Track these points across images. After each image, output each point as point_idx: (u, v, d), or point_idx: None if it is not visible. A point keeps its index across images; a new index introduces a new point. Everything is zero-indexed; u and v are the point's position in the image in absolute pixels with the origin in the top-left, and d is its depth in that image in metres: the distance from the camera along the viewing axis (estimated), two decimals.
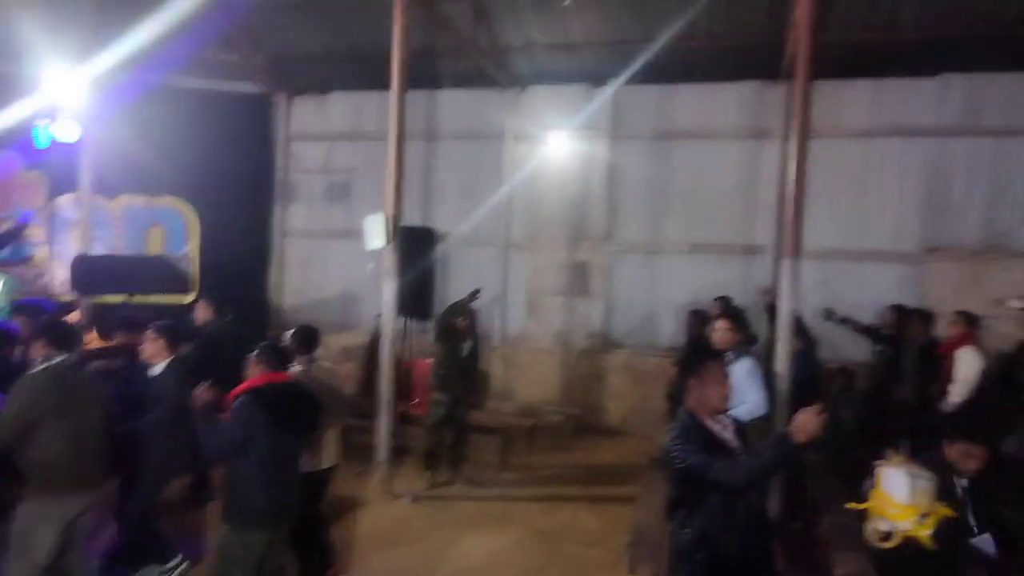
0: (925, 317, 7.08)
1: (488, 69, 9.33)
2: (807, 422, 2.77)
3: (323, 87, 10.87)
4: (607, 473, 7.80)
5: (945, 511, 2.71)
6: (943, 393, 6.32)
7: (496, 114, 10.03)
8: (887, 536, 2.63)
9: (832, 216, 8.66)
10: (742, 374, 4.73)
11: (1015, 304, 7.28)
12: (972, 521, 3.44)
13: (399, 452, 7.24)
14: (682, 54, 8.66)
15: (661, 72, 8.78)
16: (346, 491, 6.26)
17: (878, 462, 2.86)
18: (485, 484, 7.16)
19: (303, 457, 4.18)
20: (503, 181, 9.89)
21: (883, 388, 7.14)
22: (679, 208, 9.47)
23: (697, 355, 3.86)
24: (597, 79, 9.29)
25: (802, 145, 5.60)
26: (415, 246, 7.69)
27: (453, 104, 10.28)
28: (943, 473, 3.39)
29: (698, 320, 7.34)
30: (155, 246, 10.54)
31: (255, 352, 3.95)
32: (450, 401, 6.97)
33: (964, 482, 3.47)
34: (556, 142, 9.54)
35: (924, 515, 2.51)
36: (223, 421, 3.79)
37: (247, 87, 10.76)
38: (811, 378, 6.58)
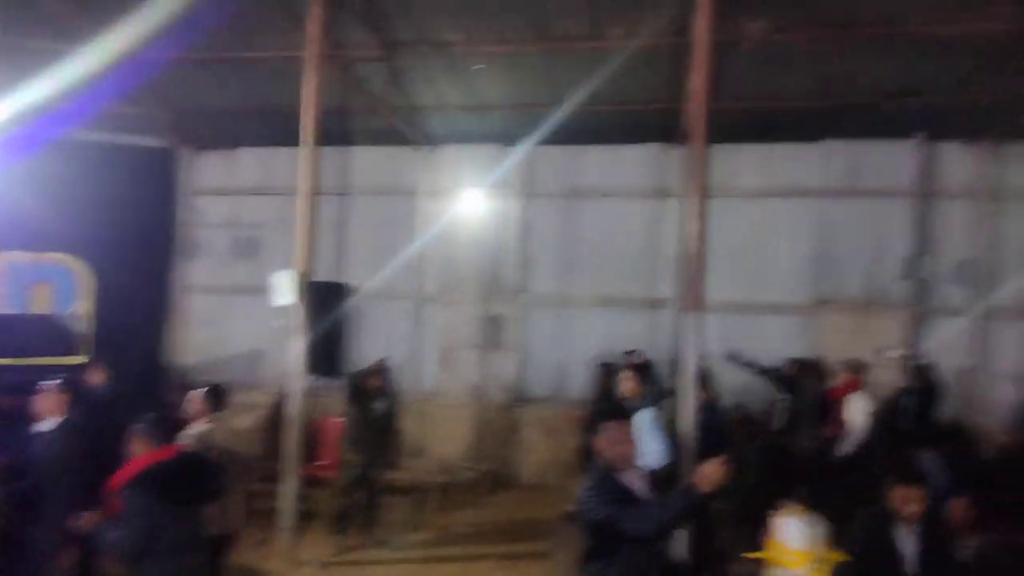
0: (820, 367, 7.49)
1: (401, 127, 9.45)
2: (712, 472, 2.87)
3: (231, 142, 10.70)
4: (522, 529, 7.74)
5: (837, 556, 2.84)
6: (835, 438, 6.67)
7: (409, 171, 10.14)
8: None
9: (731, 271, 9.13)
10: (645, 424, 4.86)
11: (893, 353, 7.81)
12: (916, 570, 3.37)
13: (306, 516, 6.97)
14: (589, 118, 9.06)
15: (570, 134, 9.16)
16: (248, 560, 5.95)
17: (773, 512, 2.98)
18: (398, 546, 6.97)
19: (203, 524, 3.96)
20: (416, 236, 9.95)
21: (783, 436, 7.46)
22: (588, 263, 9.76)
23: (604, 413, 3.95)
24: (509, 139, 9.58)
25: (701, 205, 5.91)
26: (326, 301, 7.54)
27: (367, 160, 10.32)
28: (886, 524, 3.36)
29: (607, 372, 7.50)
30: (41, 304, 9.90)
31: (137, 428, 3.69)
32: (363, 462, 6.80)
33: (917, 529, 3.41)
34: (469, 199, 9.72)
35: (818, 561, 2.63)
36: (118, 523, 3.53)
37: (150, 141, 10.46)
38: (716, 428, 6.79)
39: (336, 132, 9.14)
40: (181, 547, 3.61)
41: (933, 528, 3.45)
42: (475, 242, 9.90)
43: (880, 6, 7.19)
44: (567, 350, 9.71)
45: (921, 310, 9.00)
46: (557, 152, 9.67)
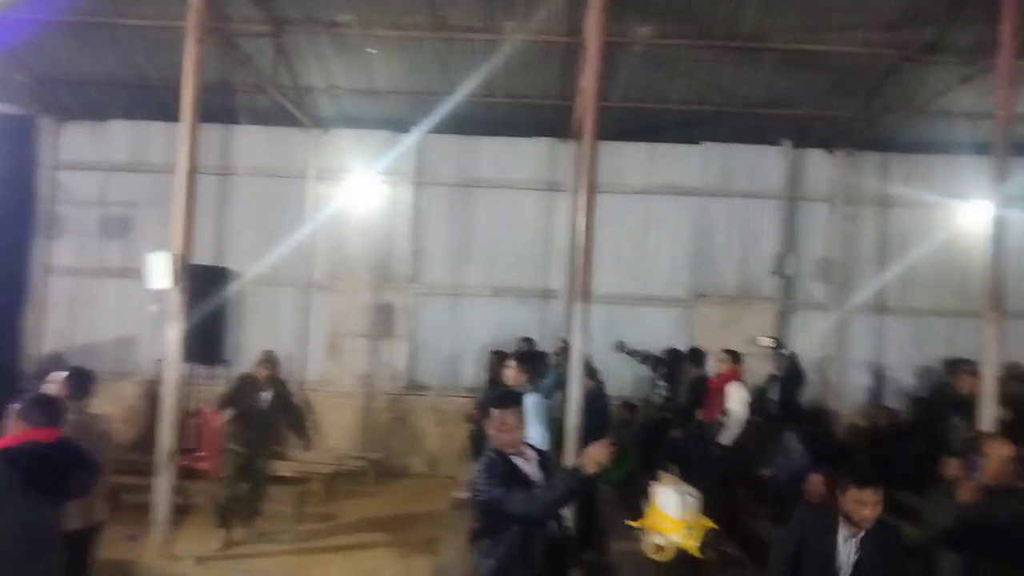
0: (697, 356, 7.93)
1: (289, 108, 9.14)
2: (597, 454, 3.00)
3: (101, 113, 9.96)
4: (411, 518, 7.72)
5: (708, 523, 3.04)
6: (712, 424, 7.08)
7: (298, 153, 9.83)
8: (662, 548, 2.91)
9: (617, 264, 9.48)
10: (528, 410, 4.90)
11: (764, 342, 8.39)
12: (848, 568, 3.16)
13: (183, 510, 6.66)
14: (483, 108, 9.14)
15: (464, 124, 9.19)
16: (118, 554, 5.62)
17: (653, 482, 3.15)
18: (281, 538, 6.77)
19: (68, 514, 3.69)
20: (304, 221, 9.66)
21: (662, 422, 7.83)
22: (481, 253, 9.84)
23: (496, 398, 3.99)
24: (401, 126, 9.47)
25: (590, 199, 6.10)
26: (205, 286, 7.21)
27: (251, 140, 9.90)
28: (827, 523, 3.17)
29: (499, 360, 7.60)
30: None
31: (17, 406, 3.38)
32: (247, 453, 6.56)
33: (860, 534, 3.17)
34: (361, 184, 9.55)
35: (691, 528, 2.82)
36: None
37: (9, 108, 9.56)
38: (600, 414, 7.07)
39: (218, 109, 8.74)
40: (40, 542, 3.35)
41: (878, 538, 3.17)
42: (366, 229, 9.75)
43: (754, 23, 7.72)
44: (459, 339, 9.75)
45: (787, 304, 9.70)
46: (451, 141, 9.67)
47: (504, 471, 3.21)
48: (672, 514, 2.82)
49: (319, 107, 9.61)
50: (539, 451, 3.53)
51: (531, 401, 5.19)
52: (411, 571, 6.10)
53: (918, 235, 9.39)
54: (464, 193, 9.88)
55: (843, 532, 3.18)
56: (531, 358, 6.51)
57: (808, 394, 8.80)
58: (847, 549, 3.18)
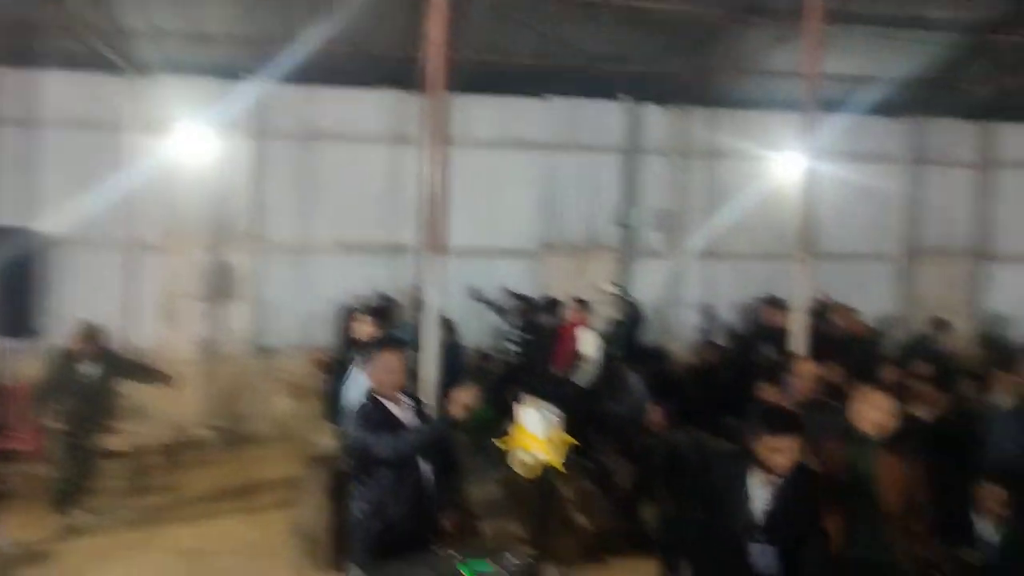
0: (552, 306, 8.25)
1: (106, 52, 8.24)
2: (464, 398, 3.12)
3: None
4: (264, 483, 7.49)
5: (570, 440, 3.21)
6: (567, 368, 7.42)
7: (117, 102, 8.94)
8: (528, 465, 3.06)
9: (468, 217, 9.50)
10: None
11: (608, 288, 8.85)
12: (760, 524, 3.02)
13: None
14: (326, 57, 8.71)
15: (305, 73, 8.72)
16: None
17: (517, 404, 3.28)
18: (115, 514, 6.34)
19: None
20: (127, 177, 8.84)
21: (517, 369, 8.09)
22: (328, 208, 9.52)
23: (382, 341, 4.05)
24: (235, 74, 8.84)
25: (441, 152, 6.07)
26: (6, 249, 6.44)
27: (61, 87, 8.87)
28: (741, 469, 3.03)
29: (352, 316, 7.47)
30: None
31: None
32: (72, 430, 6.04)
33: (777, 481, 3.02)
34: (191, 136, 8.85)
35: (555, 444, 2.99)
36: None
37: None
38: (455, 365, 7.19)
39: (17, 51, 7.74)
40: None
41: (796, 486, 3.01)
42: (200, 184, 9.09)
43: None
44: (308, 298, 9.42)
45: (628, 252, 10.26)
46: (292, 91, 9.18)
47: (378, 417, 3.29)
48: (537, 433, 2.98)
49: (141, 52, 8.74)
50: (415, 398, 3.62)
51: None
52: (267, 533, 5.96)
53: (742, 185, 10.17)
54: (307, 146, 9.47)
55: (757, 478, 3.02)
56: (385, 313, 6.46)
57: (648, 336, 9.42)
58: (762, 496, 3.02)
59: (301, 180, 9.44)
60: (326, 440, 6.56)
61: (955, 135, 11.05)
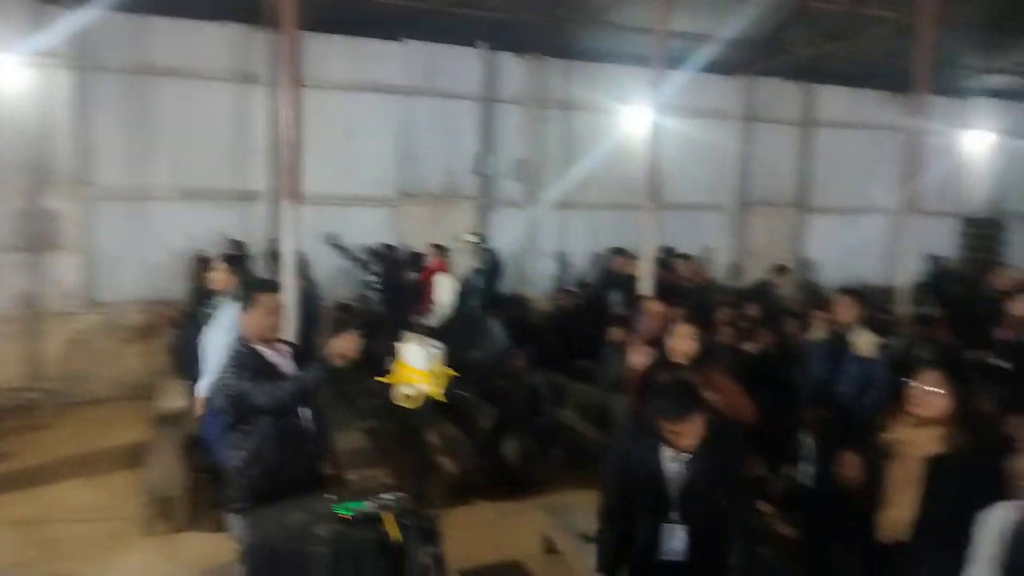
0: (415, 257, 8.25)
1: None
2: (344, 345, 3.12)
3: None
4: (107, 446, 6.99)
5: (451, 372, 3.30)
6: (426, 313, 7.50)
7: None
8: (411, 397, 3.14)
9: (323, 163, 9.16)
10: (231, 318, 4.64)
11: (467, 237, 8.95)
12: (675, 501, 2.80)
13: None
14: None
15: (137, 1, 7.94)
16: None
17: (397, 342, 3.32)
18: None
19: None
20: None
21: (378, 317, 8.06)
22: (167, 152, 8.82)
23: (259, 283, 3.94)
24: None
25: (294, 93, 5.79)
26: None
27: None
28: (655, 443, 2.80)
29: (204, 265, 7.09)
30: None
31: None
32: None
33: (689, 456, 2.80)
34: (5, 67, 7.82)
35: (436, 376, 3.08)
36: None
37: None
38: (311, 314, 7.09)
39: None
40: None
41: (712, 457, 2.81)
42: (13, 122, 8.09)
43: None
44: (147, 248, 8.75)
45: (487, 202, 10.38)
46: (119, 20, 8.28)
47: (254, 364, 3.24)
48: (418, 366, 3.06)
49: None
50: (292, 344, 3.56)
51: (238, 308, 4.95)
52: (113, 497, 5.64)
53: (594, 137, 10.53)
54: (140, 82, 8.65)
55: (669, 451, 2.82)
56: (239, 261, 6.17)
57: (507, 284, 9.68)
58: (676, 469, 2.81)
59: (134, 120, 8.64)
60: (175, 397, 6.26)
61: (781, 95, 12.03)
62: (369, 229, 9.43)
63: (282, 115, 5.99)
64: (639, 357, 4.04)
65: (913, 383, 2.95)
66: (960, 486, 2.33)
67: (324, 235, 8.31)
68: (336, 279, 8.96)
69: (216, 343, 4.40)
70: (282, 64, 5.94)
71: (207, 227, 8.71)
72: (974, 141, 12.80)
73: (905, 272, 7.58)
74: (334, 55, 9.32)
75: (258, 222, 8.90)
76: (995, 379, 4.08)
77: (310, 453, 3.34)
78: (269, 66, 8.62)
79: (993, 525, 1.89)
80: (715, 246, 11.69)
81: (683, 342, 3.84)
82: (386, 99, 9.71)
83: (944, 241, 12.92)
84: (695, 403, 2.78)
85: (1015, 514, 1.81)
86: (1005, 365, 4.61)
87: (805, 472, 4.33)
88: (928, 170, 7.89)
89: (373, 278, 8.23)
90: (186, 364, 5.28)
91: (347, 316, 8.41)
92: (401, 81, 9.74)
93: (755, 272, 11.14)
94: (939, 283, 10.84)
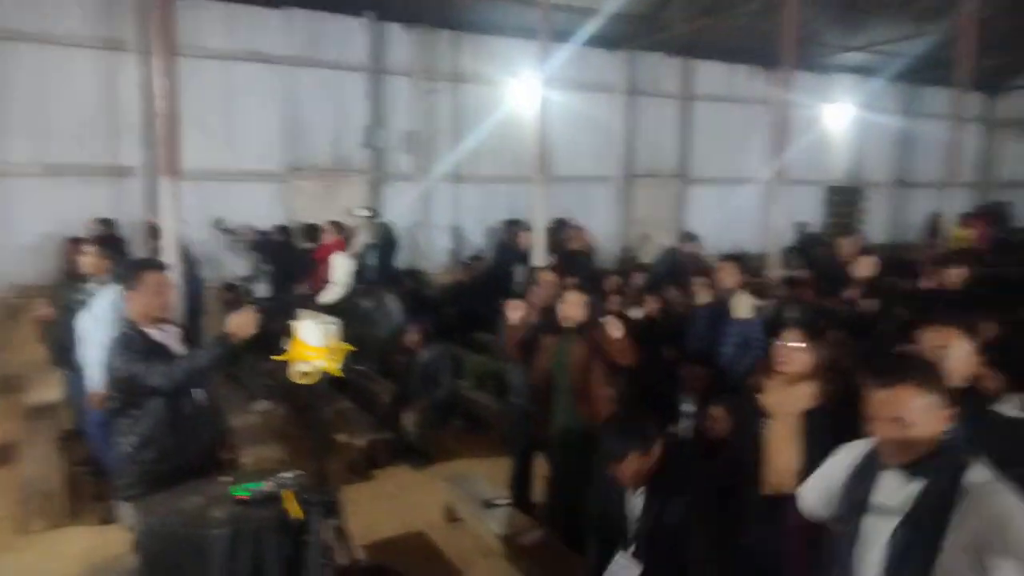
0: (311, 231, 8.03)
1: None
2: (243, 322, 3.06)
3: None
4: None
5: (347, 347, 3.30)
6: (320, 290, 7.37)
7: None
8: (308, 374, 3.12)
9: (202, 137, 8.75)
10: (107, 303, 4.39)
11: (360, 212, 8.80)
12: (631, 536, 2.76)
13: None
14: None
15: None
16: None
17: (292, 321, 3.27)
18: None
19: None
20: None
21: (270, 299, 7.85)
22: (25, 124, 8.14)
23: (144, 262, 3.78)
24: None
25: (168, 62, 5.48)
26: None
27: None
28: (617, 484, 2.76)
29: (75, 248, 6.64)
30: None
31: None
32: None
33: (643, 491, 2.75)
34: None
35: (333, 352, 3.08)
36: None
37: None
38: (194, 296, 6.86)
39: None
40: None
41: (666, 493, 2.72)
42: None
43: None
44: (9, 230, 8.09)
45: (378, 175, 10.23)
46: None
47: (143, 346, 3.14)
48: (314, 343, 3.03)
49: None
50: (178, 324, 3.45)
51: (113, 294, 4.67)
52: None
53: (484, 110, 10.55)
54: None
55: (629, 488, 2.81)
56: (112, 243, 5.83)
57: (402, 258, 9.63)
58: (636, 505, 2.80)
59: None
60: (48, 389, 5.90)
61: (662, 69, 12.47)
62: (256, 205, 9.11)
63: (156, 85, 5.65)
64: (515, 315, 4.17)
65: (779, 342, 3.18)
66: (833, 435, 2.54)
67: (212, 221, 7.99)
68: (220, 259, 8.61)
69: (91, 330, 4.17)
70: (153, 30, 5.60)
71: (77, 206, 8.13)
72: (835, 115, 13.78)
73: (776, 238, 8.15)
74: (210, 21, 8.85)
75: (134, 200, 8.39)
76: (850, 334, 4.51)
77: (205, 436, 3.26)
78: (139, 32, 8.09)
79: (844, 457, 2.13)
80: (599, 217, 12.06)
81: (573, 308, 4.03)
82: (269, 69, 9.34)
83: (810, 208, 13.90)
84: (631, 444, 2.69)
85: (864, 448, 2.05)
86: (848, 319, 5.14)
87: (686, 429, 4.63)
88: (795, 142, 8.46)
89: (263, 257, 7.98)
90: (60, 354, 4.98)
91: (234, 297, 8.13)
92: (284, 51, 9.38)
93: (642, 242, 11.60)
94: (806, 247, 11.70)
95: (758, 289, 5.57)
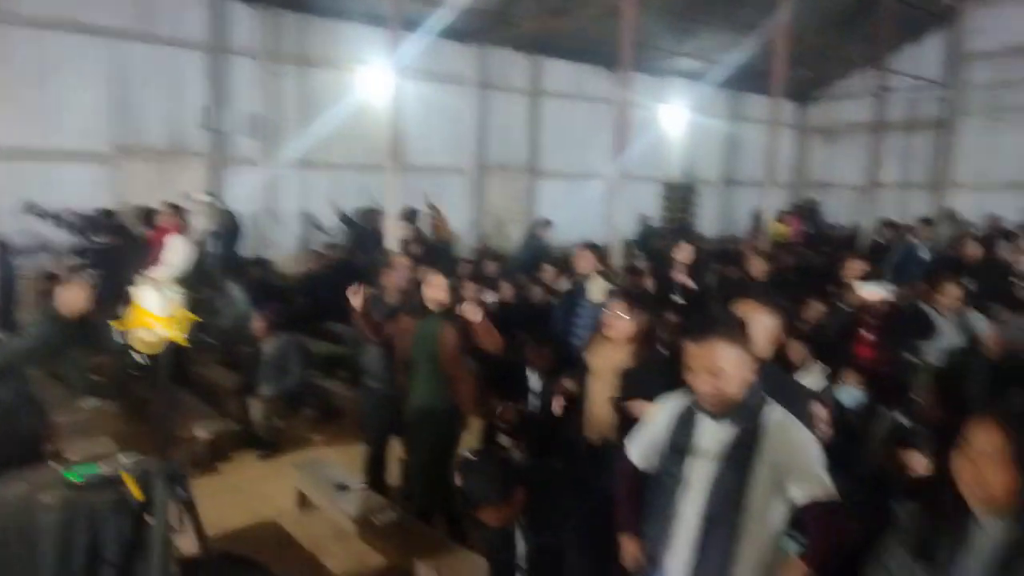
0: (148, 215, 7.52)
1: None
2: (73, 296, 2.93)
3: None
4: None
5: (192, 317, 3.15)
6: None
7: None
8: (149, 342, 2.96)
9: (14, 111, 7.95)
10: None
11: (200, 197, 8.30)
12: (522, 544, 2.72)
13: None
14: None
15: None
16: None
17: (129, 288, 3.10)
18: None
19: None
20: None
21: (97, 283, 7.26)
22: None
23: None
24: None
25: None
26: None
27: None
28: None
29: None
30: None
31: None
32: None
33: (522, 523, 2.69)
34: None
35: (177, 321, 2.93)
36: None
37: None
38: (8, 284, 6.31)
39: None
40: None
41: (535, 527, 2.67)
42: None
43: None
44: None
45: (219, 159, 9.71)
46: None
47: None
48: (156, 311, 2.88)
49: None
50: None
51: None
52: None
53: (333, 96, 10.29)
54: None
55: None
56: None
57: (246, 246, 9.23)
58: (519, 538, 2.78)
59: None
60: None
61: (512, 65, 12.78)
62: (80, 188, 8.37)
63: None
64: (356, 301, 4.17)
65: (606, 310, 3.71)
66: (645, 391, 2.90)
67: (24, 205, 7.26)
68: (36, 245, 7.83)
69: None
70: None
71: None
72: (671, 116, 14.76)
73: (618, 231, 8.65)
74: None
75: None
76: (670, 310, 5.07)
77: (25, 427, 3.02)
78: None
79: (664, 409, 2.38)
80: (454, 207, 12.20)
81: (437, 291, 4.09)
82: (93, 41, 8.57)
83: (650, 203, 14.83)
84: (490, 495, 2.59)
85: (684, 400, 2.31)
86: (678, 300, 5.79)
87: (533, 403, 4.87)
88: (636, 140, 9.03)
89: (90, 242, 7.37)
90: None
91: (48, 287, 7.46)
92: (111, 22, 8.66)
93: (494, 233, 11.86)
94: (645, 239, 12.51)
95: (608, 275, 5.96)
